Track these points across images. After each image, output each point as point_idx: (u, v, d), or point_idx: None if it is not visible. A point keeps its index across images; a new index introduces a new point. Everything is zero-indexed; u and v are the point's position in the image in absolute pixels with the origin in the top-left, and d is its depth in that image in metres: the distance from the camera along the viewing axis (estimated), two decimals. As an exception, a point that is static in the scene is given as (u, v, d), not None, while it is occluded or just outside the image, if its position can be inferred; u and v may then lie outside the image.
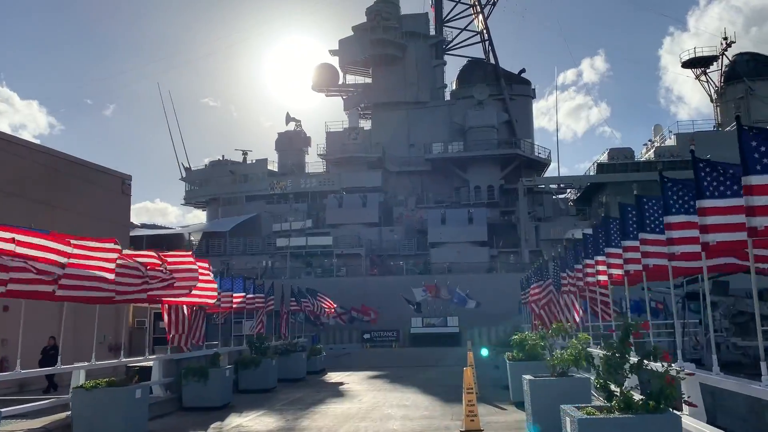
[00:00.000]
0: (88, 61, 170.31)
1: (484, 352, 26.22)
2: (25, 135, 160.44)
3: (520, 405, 11.89)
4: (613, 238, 11.16)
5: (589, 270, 12.87)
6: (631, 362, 5.64)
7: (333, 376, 20.79)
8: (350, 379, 19.55)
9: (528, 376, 8.99)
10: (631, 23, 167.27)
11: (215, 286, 15.09)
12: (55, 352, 14.97)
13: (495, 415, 11.25)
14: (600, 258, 11.65)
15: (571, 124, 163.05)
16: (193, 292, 13.46)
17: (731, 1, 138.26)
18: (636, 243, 9.41)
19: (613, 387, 5.68)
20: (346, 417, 11.59)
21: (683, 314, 26.27)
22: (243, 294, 18.34)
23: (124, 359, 12.17)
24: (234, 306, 17.51)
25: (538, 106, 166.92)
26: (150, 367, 13.20)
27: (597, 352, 6.17)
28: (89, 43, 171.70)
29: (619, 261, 10.45)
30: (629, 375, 5.78)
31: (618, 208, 10.64)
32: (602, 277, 10.56)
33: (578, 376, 9.06)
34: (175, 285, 12.64)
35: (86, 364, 10.72)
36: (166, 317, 13.58)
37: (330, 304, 24.02)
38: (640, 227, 9.33)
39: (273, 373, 16.76)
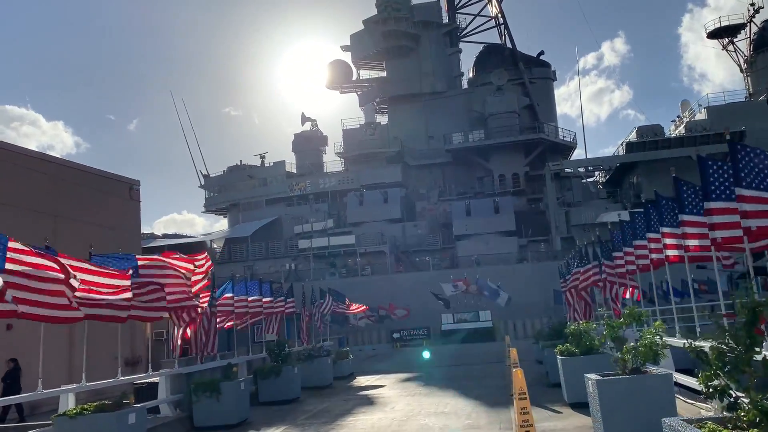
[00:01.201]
0: (106, 77, 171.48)
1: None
2: (55, 155, 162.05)
3: (577, 407, 10.29)
4: (665, 217, 9.85)
5: (640, 252, 11.34)
6: (765, 356, 4.00)
7: (362, 381, 19.31)
8: (381, 384, 18.07)
9: (593, 376, 7.39)
10: (649, 1, 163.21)
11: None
12: (14, 378, 13.50)
13: (550, 421, 9.66)
14: (655, 236, 10.19)
15: (593, 108, 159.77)
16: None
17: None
18: (696, 218, 8.20)
19: (733, 392, 4.02)
20: (377, 431, 10.09)
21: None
22: (260, 297, 16.97)
23: (122, 377, 10.79)
24: (251, 311, 16.12)
25: (559, 93, 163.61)
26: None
27: (699, 343, 4.52)
28: (106, 59, 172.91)
29: (674, 241, 9.21)
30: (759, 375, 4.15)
31: (672, 184, 9.16)
32: (672, 252, 8.91)
33: (656, 372, 7.43)
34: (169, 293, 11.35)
35: (74, 386, 9.37)
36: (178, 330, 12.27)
37: (358, 306, 22.52)
38: (701, 201, 8.29)
39: (296, 382, 15.32)
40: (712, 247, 7.22)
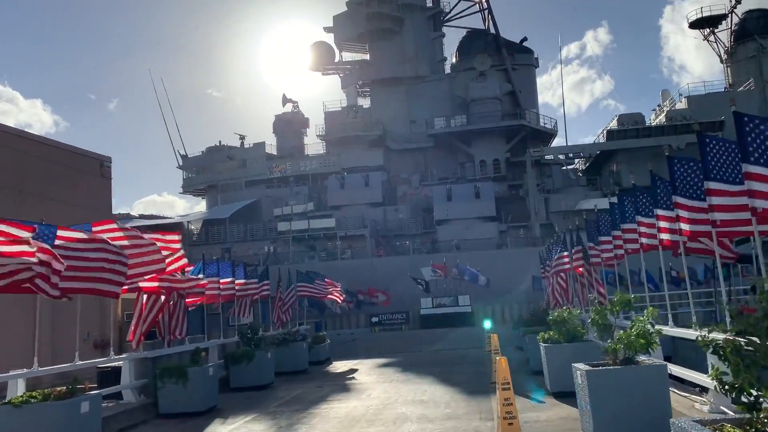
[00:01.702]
0: (87, 56, 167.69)
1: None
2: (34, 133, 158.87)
3: (560, 396, 9.90)
4: (645, 205, 9.89)
5: (628, 236, 10.98)
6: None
7: (339, 366, 18.85)
8: (358, 369, 17.62)
9: (582, 365, 6.95)
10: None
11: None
12: None
13: (533, 411, 9.25)
14: (649, 220, 9.85)
15: (575, 98, 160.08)
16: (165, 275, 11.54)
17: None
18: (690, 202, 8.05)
19: (755, 392, 3.56)
20: (351, 420, 9.62)
21: (713, 283, 24.22)
22: (232, 279, 16.36)
23: (80, 362, 10.15)
24: (222, 293, 15.51)
25: (541, 81, 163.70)
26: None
27: (711, 336, 4.05)
28: (87, 38, 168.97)
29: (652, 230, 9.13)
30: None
31: (644, 175, 9.10)
32: (665, 236, 8.48)
33: (648, 362, 7.02)
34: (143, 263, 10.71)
35: (24, 371, 8.70)
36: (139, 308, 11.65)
37: (337, 294, 21.89)
38: (676, 193, 8.09)
39: (269, 367, 14.77)
40: (713, 231, 6.79)
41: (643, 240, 9.64)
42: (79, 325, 11.63)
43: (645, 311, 7.21)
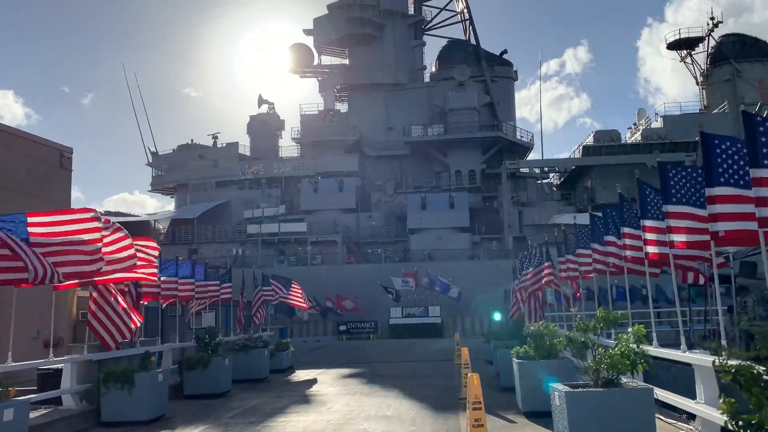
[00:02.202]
0: (64, 49, 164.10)
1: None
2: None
3: (533, 416, 9.31)
4: (627, 220, 9.92)
5: (611, 249, 10.61)
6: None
7: (301, 375, 18.05)
8: (321, 379, 16.85)
9: (561, 386, 6.36)
10: (611, 12, 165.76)
11: (154, 270, 12.34)
12: None
13: (503, 430, 8.63)
14: (635, 231, 9.55)
15: (552, 114, 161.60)
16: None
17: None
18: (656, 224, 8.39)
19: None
20: (308, 435, 8.89)
21: (688, 302, 24.04)
22: (192, 281, 15.52)
23: (12, 364, 9.25)
24: (180, 295, 14.67)
25: (520, 95, 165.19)
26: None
27: (733, 362, 3.48)
28: (65, 29, 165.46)
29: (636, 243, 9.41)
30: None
31: (634, 188, 9.23)
32: (652, 248, 7.98)
33: (633, 384, 6.45)
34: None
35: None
36: (93, 306, 10.80)
37: (299, 301, 21.01)
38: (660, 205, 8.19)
39: (225, 375, 13.94)
40: (712, 242, 6.33)
41: (628, 252, 9.16)
42: (17, 322, 10.73)
43: (630, 329, 6.66)
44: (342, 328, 38.59)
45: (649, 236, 8.50)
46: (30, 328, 19.73)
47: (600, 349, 6.74)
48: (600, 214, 11.76)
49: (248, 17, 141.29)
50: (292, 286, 20.30)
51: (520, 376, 9.87)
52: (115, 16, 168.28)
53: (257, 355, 16.44)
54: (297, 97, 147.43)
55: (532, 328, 10.01)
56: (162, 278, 13.53)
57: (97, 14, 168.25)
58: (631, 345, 6.46)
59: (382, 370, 18.74)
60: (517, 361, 9.90)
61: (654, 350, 6.69)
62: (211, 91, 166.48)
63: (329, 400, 12.74)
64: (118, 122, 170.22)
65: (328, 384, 15.64)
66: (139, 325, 11.48)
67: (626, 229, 9.79)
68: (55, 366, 10.89)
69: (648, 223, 8.51)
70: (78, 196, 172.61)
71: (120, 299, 11.46)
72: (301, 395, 13.72)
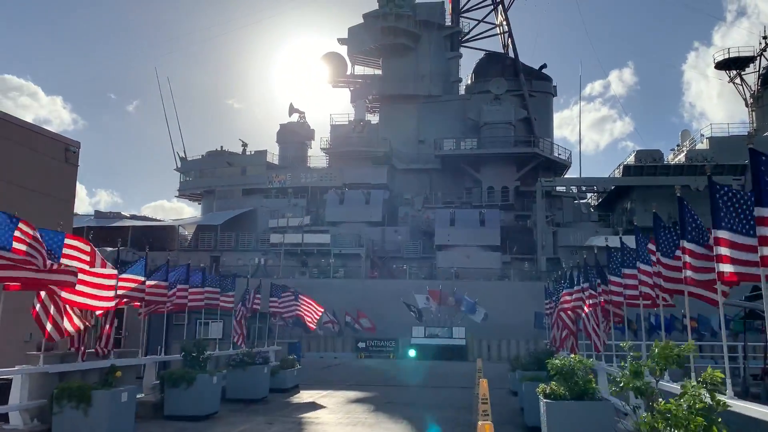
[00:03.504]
0: (113, 56, 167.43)
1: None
2: (51, 130, 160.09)
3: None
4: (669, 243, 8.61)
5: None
6: None
7: (305, 396, 16.36)
8: (325, 402, 15.16)
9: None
10: (657, 34, 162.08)
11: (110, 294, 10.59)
12: None
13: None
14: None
15: (593, 136, 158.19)
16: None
17: (759, 16, 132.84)
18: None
19: None
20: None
21: (743, 336, 21.75)
22: (186, 287, 14.05)
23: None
24: (169, 303, 13.18)
25: (561, 116, 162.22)
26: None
27: None
28: (114, 36, 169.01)
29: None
30: None
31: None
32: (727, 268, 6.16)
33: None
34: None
35: None
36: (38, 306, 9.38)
37: (311, 313, 19.38)
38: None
39: (212, 394, 12.33)
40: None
41: (688, 273, 7.33)
42: (7, 324, 9.34)
43: (703, 373, 4.84)
44: (361, 345, 36.81)
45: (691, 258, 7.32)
46: (22, 331, 18.54)
47: (660, 401, 4.92)
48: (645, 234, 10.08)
49: (286, 26, 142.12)
50: (301, 299, 18.69)
51: (548, 418, 8.04)
52: (157, 23, 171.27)
53: (255, 373, 14.83)
54: (330, 108, 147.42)
55: (557, 361, 8.17)
56: (147, 282, 12.04)
57: (144, 23, 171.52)
58: (703, 397, 4.65)
59: (395, 395, 16.95)
60: (544, 401, 8.07)
61: (738, 405, 4.86)
62: (249, 101, 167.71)
63: (325, 430, 11.05)
64: (158, 129, 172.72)
65: (331, 409, 13.93)
66: (71, 331, 9.94)
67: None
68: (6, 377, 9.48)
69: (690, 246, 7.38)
70: (117, 201, 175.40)
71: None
72: (295, 422, 12.04)
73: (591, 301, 12.83)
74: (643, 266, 9.70)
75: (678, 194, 8.17)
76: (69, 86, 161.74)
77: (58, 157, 20.47)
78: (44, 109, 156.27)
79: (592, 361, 8.64)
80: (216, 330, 22.07)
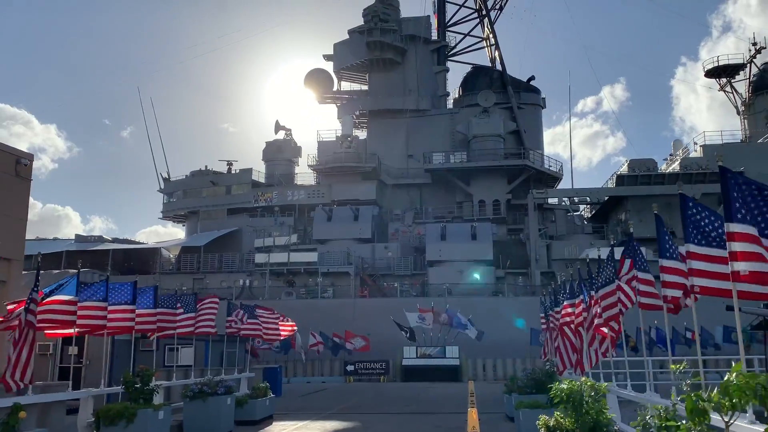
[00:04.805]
0: (107, 82, 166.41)
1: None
2: (45, 158, 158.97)
3: None
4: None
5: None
6: None
7: (276, 429, 14.61)
8: (298, 437, 13.42)
9: None
10: (647, 48, 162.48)
11: None
12: None
13: None
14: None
15: (585, 152, 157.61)
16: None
17: (746, 31, 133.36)
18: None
19: None
20: None
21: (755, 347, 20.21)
22: (154, 311, 12.36)
23: None
24: (110, 324, 11.48)
25: (554, 132, 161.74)
26: None
27: None
28: (107, 63, 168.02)
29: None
30: None
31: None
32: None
33: None
34: None
35: None
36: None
37: (274, 330, 17.65)
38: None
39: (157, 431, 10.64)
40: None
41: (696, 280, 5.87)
42: None
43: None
44: (350, 368, 34.96)
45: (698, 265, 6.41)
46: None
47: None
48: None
49: (273, 45, 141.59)
50: (259, 316, 16.98)
51: (553, 461, 6.39)
52: (149, 49, 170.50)
53: (216, 404, 13.10)
54: (317, 125, 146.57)
55: (564, 385, 6.55)
56: (79, 304, 10.37)
57: (137, 50, 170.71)
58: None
59: (378, 426, 15.22)
60: (547, 438, 6.44)
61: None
62: (237, 121, 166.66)
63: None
64: (151, 154, 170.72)
65: (303, 445, 12.22)
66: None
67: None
68: None
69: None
70: (111, 227, 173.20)
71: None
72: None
73: (593, 311, 11.26)
74: (642, 275, 8.84)
75: (680, 191, 6.85)
76: (63, 114, 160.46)
77: (7, 170, 18.84)
78: (38, 137, 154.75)
79: (607, 385, 7.02)
80: (187, 356, 20.25)
